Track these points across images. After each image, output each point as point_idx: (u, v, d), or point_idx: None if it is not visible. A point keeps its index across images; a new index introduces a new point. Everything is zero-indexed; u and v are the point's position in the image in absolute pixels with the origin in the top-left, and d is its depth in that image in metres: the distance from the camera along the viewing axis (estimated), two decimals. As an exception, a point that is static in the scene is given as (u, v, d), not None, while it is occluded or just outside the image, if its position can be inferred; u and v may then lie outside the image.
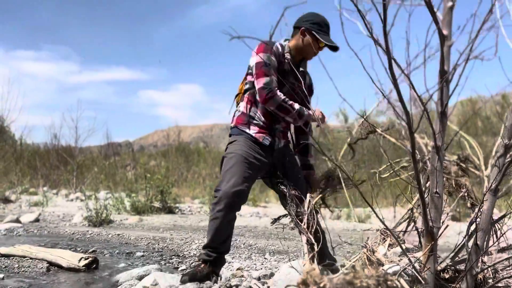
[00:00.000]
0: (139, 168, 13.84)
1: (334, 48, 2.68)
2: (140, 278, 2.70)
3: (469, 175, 1.98)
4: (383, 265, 1.69)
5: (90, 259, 3.48)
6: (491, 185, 1.58)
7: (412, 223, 2.03)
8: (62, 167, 15.79)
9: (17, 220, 6.36)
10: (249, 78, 2.71)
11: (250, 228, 6.33)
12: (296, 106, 2.59)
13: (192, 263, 3.60)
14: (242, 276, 2.40)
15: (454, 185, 1.91)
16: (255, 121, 2.68)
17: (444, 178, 1.98)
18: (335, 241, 5.36)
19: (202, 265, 2.42)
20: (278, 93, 2.55)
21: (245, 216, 7.88)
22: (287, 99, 2.57)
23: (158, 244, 4.81)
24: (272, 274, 2.34)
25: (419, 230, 1.99)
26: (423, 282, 1.64)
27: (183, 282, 2.28)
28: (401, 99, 1.33)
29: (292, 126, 2.88)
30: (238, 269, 2.82)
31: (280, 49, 2.68)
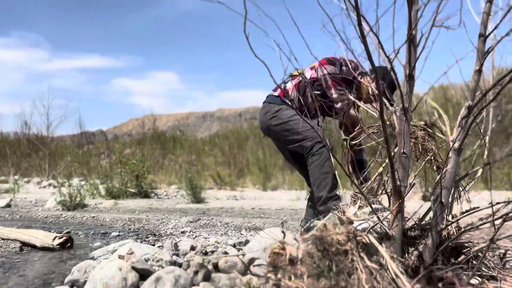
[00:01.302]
0: (113, 156, 13.65)
1: None
2: (113, 251, 2.69)
3: (435, 140, 2.06)
4: (352, 223, 1.75)
5: (64, 238, 3.45)
6: (454, 143, 1.65)
7: (382, 187, 2.10)
8: (34, 155, 15.42)
9: (-13, 206, 6.22)
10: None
11: (226, 209, 6.37)
12: None
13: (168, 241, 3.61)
14: (218, 243, 2.44)
15: (420, 150, 1.99)
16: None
17: (412, 143, 2.05)
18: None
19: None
20: None
21: (222, 199, 7.91)
22: None
23: (134, 225, 4.79)
24: (247, 241, 2.39)
25: (388, 193, 2.06)
26: (391, 238, 1.71)
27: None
28: (369, 56, 1.37)
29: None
30: (215, 242, 2.86)
31: None
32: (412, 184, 1.64)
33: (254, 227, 4.46)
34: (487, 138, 1.94)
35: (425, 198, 7.56)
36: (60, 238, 3.42)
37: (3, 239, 3.59)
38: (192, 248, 2.27)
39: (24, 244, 3.47)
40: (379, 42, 1.44)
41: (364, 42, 1.33)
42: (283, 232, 1.81)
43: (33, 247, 3.43)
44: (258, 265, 1.93)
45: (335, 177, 2.66)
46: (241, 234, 3.85)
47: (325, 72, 2.94)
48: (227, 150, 17.40)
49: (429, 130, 2.02)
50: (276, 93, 3.28)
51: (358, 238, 1.59)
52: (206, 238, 3.53)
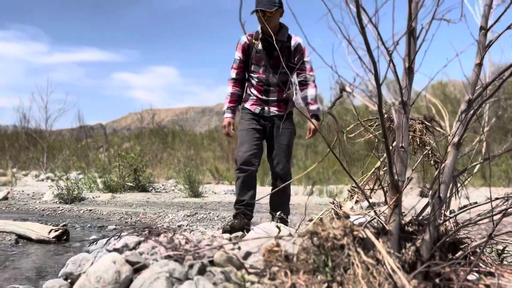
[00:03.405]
0: (112, 150, 13.62)
1: (262, 11, 3.17)
2: (106, 243, 2.67)
3: (434, 134, 2.04)
4: (349, 217, 1.73)
5: (60, 230, 3.43)
6: (453, 138, 1.62)
7: (378, 182, 2.08)
8: (32, 148, 15.37)
9: (-16, 198, 6.19)
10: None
11: (224, 204, 6.35)
12: (225, 104, 3.47)
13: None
14: (214, 236, 2.42)
15: (419, 143, 1.96)
16: (250, 97, 3.46)
17: (410, 136, 2.03)
18: (308, 213, 5.45)
19: (235, 220, 3.18)
20: (230, 86, 3.48)
21: (220, 193, 7.89)
22: (228, 93, 3.48)
23: (131, 219, 4.78)
24: (243, 235, 2.37)
25: (385, 187, 2.04)
26: (388, 233, 1.69)
27: (224, 232, 3.01)
28: (368, 48, 1.34)
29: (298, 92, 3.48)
30: (211, 235, 2.84)
31: (246, 41, 3.41)
32: (409, 178, 1.62)
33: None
34: (485, 133, 1.92)
35: (422, 194, 7.55)
36: (56, 231, 3.40)
37: (-1, 231, 3.56)
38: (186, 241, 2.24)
39: (20, 236, 3.46)
40: (379, 34, 1.41)
41: (363, 34, 1.30)
42: (277, 227, 1.79)
43: (29, 239, 3.42)
44: (253, 259, 1.91)
45: (240, 189, 3.31)
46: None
47: None
48: (226, 145, 17.36)
49: (428, 123, 2.00)
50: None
51: (355, 232, 1.57)
52: (202, 232, 3.52)
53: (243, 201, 3.28)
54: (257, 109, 3.43)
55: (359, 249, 1.55)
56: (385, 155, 2.13)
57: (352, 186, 2.06)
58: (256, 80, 3.44)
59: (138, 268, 1.77)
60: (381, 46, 1.50)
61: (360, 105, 13.25)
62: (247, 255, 1.93)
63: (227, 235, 2.42)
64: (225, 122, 3.43)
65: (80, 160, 14.19)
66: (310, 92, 3.38)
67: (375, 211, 1.65)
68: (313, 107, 3.38)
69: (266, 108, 3.42)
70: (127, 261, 1.81)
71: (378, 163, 2.10)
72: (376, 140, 2.06)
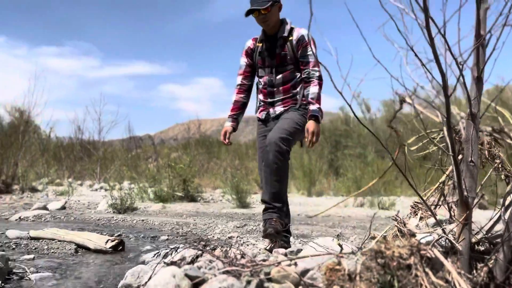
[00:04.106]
0: (160, 160, 13.98)
1: (257, 10, 2.99)
2: (165, 256, 2.71)
3: (503, 146, 1.91)
4: (415, 235, 1.65)
5: (116, 241, 3.53)
6: (530, 151, 1.52)
7: (442, 197, 1.97)
8: (86, 159, 16.08)
9: (45, 208, 6.50)
10: None
11: (272, 215, 6.31)
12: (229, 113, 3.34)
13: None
14: (268, 250, 2.39)
15: (487, 156, 1.85)
16: (259, 104, 3.31)
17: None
18: (359, 226, 5.31)
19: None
20: (234, 93, 3.34)
21: (267, 204, 7.87)
22: (232, 101, 3.34)
23: (182, 229, 4.85)
24: (299, 251, 2.33)
25: (450, 203, 1.94)
26: (457, 253, 1.60)
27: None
28: (437, 59, 1.28)
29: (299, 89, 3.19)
30: (263, 248, 2.82)
31: (250, 45, 3.26)
32: (481, 195, 1.52)
33: (302, 234, 4.38)
34: None
35: (481, 207, 7.17)
36: (112, 241, 3.51)
37: (59, 240, 3.72)
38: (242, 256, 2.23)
39: (78, 246, 3.59)
40: (447, 43, 1.34)
41: (432, 45, 1.24)
42: (339, 245, 1.73)
43: (87, 249, 3.54)
44: (311, 276, 1.87)
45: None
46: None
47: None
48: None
49: (497, 135, 1.88)
50: None
51: (422, 252, 1.49)
52: (254, 244, 3.50)
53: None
54: (263, 115, 3.25)
55: (427, 270, 1.47)
56: (450, 169, 2.03)
57: (415, 202, 1.97)
58: (261, 84, 3.25)
59: (197, 282, 1.78)
60: (449, 55, 1.43)
61: (407, 113, 12.83)
62: (305, 271, 1.89)
63: (282, 250, 2.39)
64: (224, 129, 3.27)
65: (131, 170, 14.68)
66: (312, 90, 3.02)
67: (443, 229, 1.56)
68: (313, 107, 2.99)
69: (271, 110, 3.21)
70: (186, 275, 1.82)
71: (443, 177, 2.00)
72: (440, 153, 1.96)
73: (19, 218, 5.38)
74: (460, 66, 1.34)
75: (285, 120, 3.02)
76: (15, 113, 11.45)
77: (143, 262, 3.04)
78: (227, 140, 3.24)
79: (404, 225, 1.72)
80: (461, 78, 1.40)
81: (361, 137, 14.75)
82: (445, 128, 1.74)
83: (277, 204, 2.95)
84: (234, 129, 3.30)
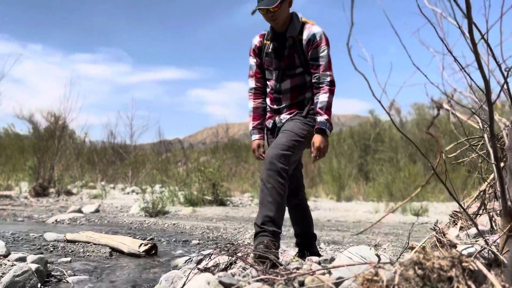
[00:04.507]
0: (190, 164, 14.14)
1: (266, 9, 2.64)
2: (199, 262, 2.73)
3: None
4: (455, 246, 1.59)
5: (149, 245, 3.59)
6: None
7: (483, 206, 1.90)
8: (118, 162, 16.45)
9: (79, 211, 6.69)
10: None
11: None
12: (250, 123, 2.96)
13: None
14: (302, 258, 2.37)
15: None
16: (268, 110, 2.96)
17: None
18: (391, 232, 5.19)
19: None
20: (250, 99, 2.97)
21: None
22: (250, 108, 2.97)
23: (212, 233, 4.88)
24: (332, 259, 2.29)
25: (491, 213, 1.87)
26: (501, 265, 1.53)
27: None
28: (480, 65, 1.24)
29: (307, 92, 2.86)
30: (296, 256, 2.79)
31: (257, 43, 2.91)
32: (526, 205, 1.46)
33: (333, 241, 4.33)
34: None
35: None
36: (145, 245, 3.56)
37: (94, 243, 3.81)
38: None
39: (112, 249, 3.66)
40: (490, 49, 1.30)
41: (475, 51, 1.20)
42: (377, 255, 1.69)
43: (121, 252, 3.61)
44: (346, 285, 1.84)
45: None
46: (320, 247, 3.75)
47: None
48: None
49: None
50: None
51: (464, 264, 1.44)
52: (284, 250, 3.48)
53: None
54: (270, 123, 2.91)
55: (469, 282, 1.42)
56: (491, 177, 1.96)
57: (455, 211, 1.91)
58: (269, 88, 2.92)
59: (231, 290, 1.78)
60: (493, 61, 1.38)
61: (440, 117, 12.50)
62: (340, 281, 1.86)
63: (316, 259, 2.35)
64: (254, 145, 2.91)
65: (161, 173, 14.93)
66: (322, 98, 2.66)
67: (485, 240, 1.51)
68: (320, 119, 2.64)
69: (277, 118, 2.85)
70: (220, 282, 1.82)
71: (484, 185, 1.93)
72: (480, 161, 1.89)
73: (56, 220, 5.55)
74: (505, 73, 1.29)
75: (284, 134, 2.70)
76: (51, 119, 11.85)
77: (176, 267, 3.07)
78: (262, 155, 2.88)
79: (444, 235, 1.67)
80: (505, 85, 1.35)
81: (393, 141, 14.49)
82: (486, 135, 1.69)
83: (270, 228, 2.47)
84: (263, 140, 2.96)
